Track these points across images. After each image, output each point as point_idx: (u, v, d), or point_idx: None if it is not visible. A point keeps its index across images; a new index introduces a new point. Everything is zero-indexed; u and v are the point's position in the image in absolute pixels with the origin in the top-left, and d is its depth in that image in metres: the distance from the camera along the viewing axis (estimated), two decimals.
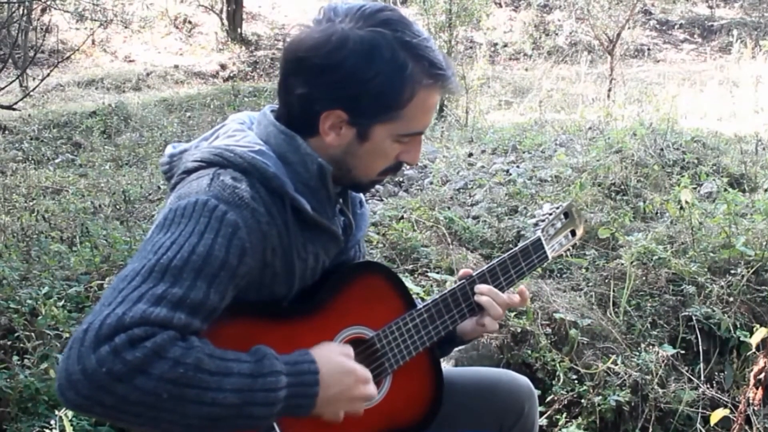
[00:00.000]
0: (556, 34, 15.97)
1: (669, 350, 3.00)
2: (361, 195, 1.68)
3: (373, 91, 1.38)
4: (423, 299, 1.82)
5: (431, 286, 3.27)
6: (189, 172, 1.39)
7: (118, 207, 5.18)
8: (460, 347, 2.15)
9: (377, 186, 4.97)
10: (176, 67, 14.10)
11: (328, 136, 1.42)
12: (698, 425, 2.82)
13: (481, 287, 1.67)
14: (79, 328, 1.15)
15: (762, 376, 2.50)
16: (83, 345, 1.13)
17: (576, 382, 2.88)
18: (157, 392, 1.13)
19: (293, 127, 1.44)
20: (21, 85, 10.04)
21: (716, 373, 3.04)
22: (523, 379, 1.87)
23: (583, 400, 2.83)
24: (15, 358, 2.67)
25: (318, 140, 1.44)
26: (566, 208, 1.94)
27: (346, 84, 1.37)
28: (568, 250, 2.46)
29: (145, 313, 1.15)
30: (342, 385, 1.34)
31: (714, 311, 3.17)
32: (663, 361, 2.94)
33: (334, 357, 1.36)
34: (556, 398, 2.84)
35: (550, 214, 1.90)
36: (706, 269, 3.41)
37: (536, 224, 1.88)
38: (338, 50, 1.36)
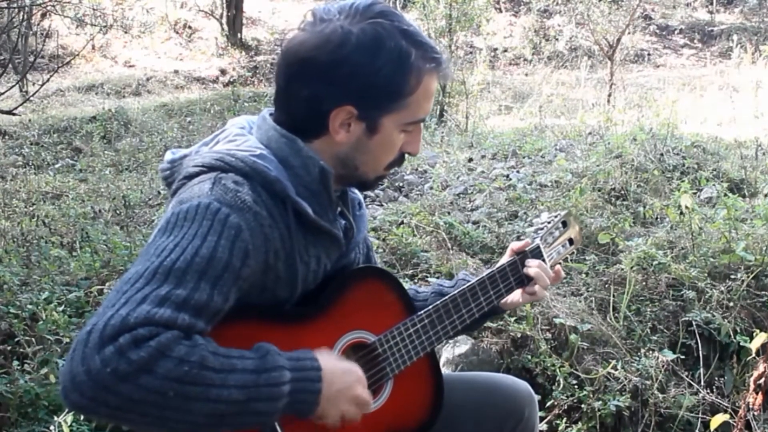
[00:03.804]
0: (556, 39, 15.98)
1: (669, 355, 3.00)
2: (360, 197, 1.69)
3: (381, 82, 1.40)
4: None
5: None
6: (190, 177, 1.40)
7: (118, 212, 5.18)
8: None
9: (377, 191, 5.01)
10: (176, 72, 14.10)
11: (338, 134, 1.43)
12: (698, 430, 2.82)
13: (531, 261, 1.76)
14: (83, 330, 1.15)
15: (762, 381, 2.49)
16: (87, 346, 1.13)
17: (576, 387, 2.88)
18: (162, 391, 1.13)
19: (296, 131, 1.44)
20: (21, 90, 10.03)
21: (716, 378, 3.04)
22: (523, 384, 1.87)
23: (583, 405, 2.83)
24: (15, 363, 2.67)
25: (323, 141, 1.44)
26: (564, 217, 1.96)
27: (354, 78, 1.39)
28: (567, 257, 2.47)
29: (149, 313, 1.16)
30: (344, 383, 1.35)
31: (714, 316, 3.17)
32: (663, 366, 2.94)
33: (334, 357, 1.39)
34: (556, 403, 2.84)
35: (549, 223, 1.92)
36: (706, 274, 3.41)
37: (536, 232, 1.89)
38: (343, 45, 1.37)
